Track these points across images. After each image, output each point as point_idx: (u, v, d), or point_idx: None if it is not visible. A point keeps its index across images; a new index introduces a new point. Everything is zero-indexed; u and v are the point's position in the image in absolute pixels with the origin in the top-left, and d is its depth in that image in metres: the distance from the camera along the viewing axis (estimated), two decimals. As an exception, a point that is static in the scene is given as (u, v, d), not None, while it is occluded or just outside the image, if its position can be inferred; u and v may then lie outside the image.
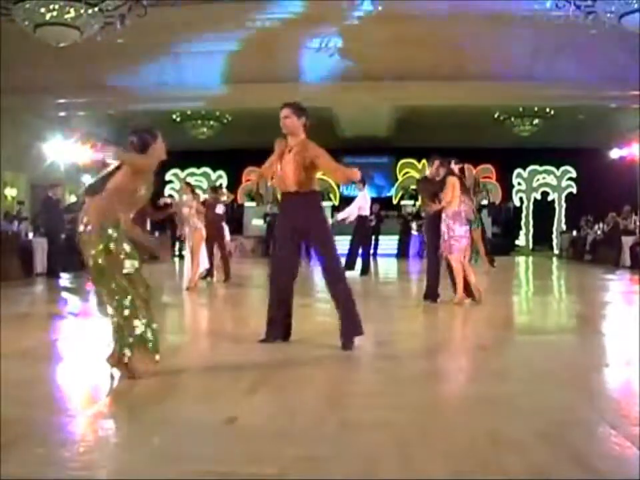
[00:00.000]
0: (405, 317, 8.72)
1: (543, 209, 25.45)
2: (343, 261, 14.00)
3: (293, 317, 6.07)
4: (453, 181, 8.51)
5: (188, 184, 12.31)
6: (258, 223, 23.52)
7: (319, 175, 6.19)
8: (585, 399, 4.10)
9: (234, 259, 18.31)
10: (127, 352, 4.55)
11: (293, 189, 5.86)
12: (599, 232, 19.36)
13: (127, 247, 4.61)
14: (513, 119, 20.66)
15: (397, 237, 22.36)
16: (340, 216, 15.12)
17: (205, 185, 24.03)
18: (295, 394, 4.29)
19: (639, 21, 9.74)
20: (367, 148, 22.67)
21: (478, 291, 8.48)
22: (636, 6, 9.52)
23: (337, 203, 24.03)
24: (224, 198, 14.77)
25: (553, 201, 25.62)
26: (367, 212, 14.13)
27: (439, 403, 4.10)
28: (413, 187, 25.20)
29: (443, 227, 8.45)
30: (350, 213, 14.34)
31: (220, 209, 12.73)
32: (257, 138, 20.07)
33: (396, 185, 25.76)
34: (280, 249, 6.12)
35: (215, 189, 14.31)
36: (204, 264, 11.43)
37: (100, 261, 4.53)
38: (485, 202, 22.21)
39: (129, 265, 4.59)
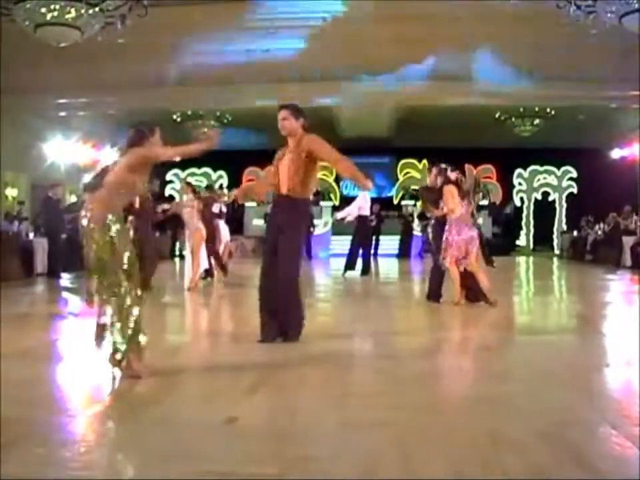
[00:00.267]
0: (405, 317, 8.73)
1: (544, 209, 25.43)
2: (343, 261, 14.17)
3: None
4: (449, 190, 8.51)
5: (188, 184, 12.32)
6: (259, 223, 23.51)
7: (319, 174, 6.22)
8: (585, 399, 4.10)
9: (235, 259, 18.31)
10: (122, 348, 4.56)
11: (285, 192, 5.89)
12: (599, 232, 19.35)
13: (127, 243, 4.67)
14: (513, 119, 20.64)
15: (397, 237, 22.35)
16: (339, 215, 15.15)
17: (205, 185, 24.03)
18: (295, 394, 4.29)
19: (639, 21, 9.73)
20: (367, 148, 22.66)
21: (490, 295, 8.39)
22: (636, 6, 9.50)
23: (337, 203, 24.02)
24: (225, 198, 14.77)
25: (554, 201, 25.60)
26: (367, 212, 14.14)
27: (439, 402, 4.09)
28: (414, 187, 25.22)
29: (446, 233, 8.47)
30: (349, 213, 14.36)
31: (216, 208, 12.74)
32: (257, 138, 20.21)
33: (396, 185, 25.75)
34: (265, 251, 6.19)
35: (211, 188, 14.32)
36: (204, 264, 11.42)
37: (103, 255, 4.55)
38: (485, 202, 22.18)
39: (127, 261, 4.60)
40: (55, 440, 3.36)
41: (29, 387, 4.42)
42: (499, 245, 21.72)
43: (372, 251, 16.25)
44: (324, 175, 22.92)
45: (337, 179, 24.91)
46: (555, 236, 25.27)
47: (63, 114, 18.58)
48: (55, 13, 9.96)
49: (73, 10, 9.99)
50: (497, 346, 6.34)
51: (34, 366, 5.03)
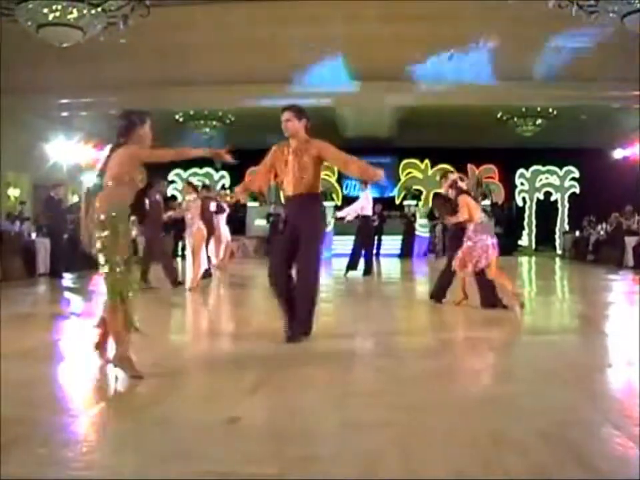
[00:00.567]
0: (407, 317, 8.73)
1: (546, 209, 25.41)
2: (345, 261, 14.17)
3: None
4: (463, 200, 8.45)
5: (190, 184, 12.31)
6: (261, 223, 23.51)
7: (322, 174, 6.24)
8: (587, 399, 4.09)
9: (236, 259, 18.33)
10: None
11: (294, 193, 6.00)
12: (601, 232, 19.33)
13: (128, 241, 4.73)
14: (515, 119, 20.62)
15: (399, 237, 22.36)
16: (339, 214, 15.17)
17: (202, 184, 24.01)
18: (296, 393, 4.28)
19: (640, 21, 9.73)
20: (369, 148, 22.65)
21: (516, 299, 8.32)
22: (638, 6, 9.49)
23: (339, 203, 24.01)
24: (228, 199, 14.77)
25: (556, 201, 25.58)
26: (369, 212, 14.13)
27: (440, 402, 4.08)
28: (416, 187, 25.24)
29: (464, 240, 8.41)
30: (349, 212, 14.38)
31: (213, 206, 12.77)
32: (259, 138, 20.20)
33: (398, 185, 25.75)
34: (275, 252, 6.25)
35: (208, 187, 14.35)
36: (204, 264, 11.42)
37: (106, 245, 4.59)
38: (487, 202, 22.17)
39: (124, 258, 4.65)
40: (57, 440, 3.36)
41: (31, 386, 4.42)
42: (501, 245, 21.65)
43: (374, 251, 16.25)
44: (326, 175, 22.91)
45: (339, 179, 24.92)
46: (557, 236, 25.24)
47: (65, 114, 18.59)
48: (57, 13, 9.97)
49: (75, 10, 9.99)
50: (498, 346, 6.34)
51: (36, 366, 5.03)
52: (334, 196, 24.66)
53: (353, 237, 14.43)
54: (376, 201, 17.04)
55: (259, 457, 3.11)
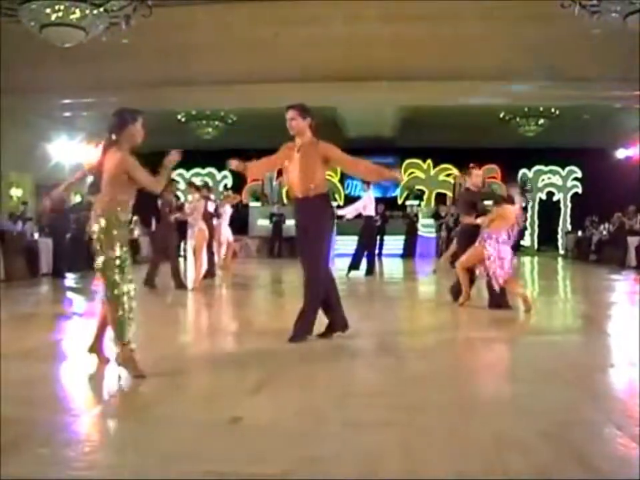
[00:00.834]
0: (409, 317, 8.74)
1: (549, 209, 25.39)
2: (348, 261, 14.16)
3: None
4: (505, 213, 8.19)
5: (192, 184, 12.32)
6: (263, 223, 23.51)
7: (326, 174, 6.27)
8: (589, 400, 4.09)
9: (239, 259, 18.34)
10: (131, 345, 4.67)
11: (300, 194, 6.04)
12: (604, 232, 19.31)
13: (123, 241, 4.76)
14: (518, 119, 20.60)
15: (401, 237, 22.36)
16: (340, 212, 15.18)
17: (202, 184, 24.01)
18: (299, 393, 4.28)
19: (643, 21, 9.72)
20: (371, 148, 22.64)
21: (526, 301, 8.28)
22: (640, 5, 9.49)
23: (341, 203, 24.00)
24: (231, 200, 14.79)
25: (558, 201, 25.56)
26: (372, 212, 14.12)
27: (442, 402, 4.08)
28: (418, 187, 25.22)
29: (479, 239, 8.30)
30: (350, 211, 14.39)
31: (211, 207, 12.78)
32: (262, 138, 20.20)
33: (401, 185, 25.72)
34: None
35: (209, 187, 14.37)
36: (205, 264, 11.41)
37: (104, 247, 4.66)
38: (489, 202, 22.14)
39: (121, 258, 4.70)
40: (58, 440, 3.37)
41: (33, 386, 4.43)
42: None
43: (376, 251, 16.24)
44: (328, 175, 22.86)
45: (342, 179, 24.91)
46: (559, 236, 25.22)
47: (67, 114, 18.61)
48: (60, 14, 9.98)
49: (77, 10, 10.00)
50: (501, 346, 6.35)
51: (38, 366, 5.03)
52: (336, 196, 24.65)
53: (355, 237, 14.43)
54: (378, 201, 17.03)
55: (261, 457, 3.11)
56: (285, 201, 24.21)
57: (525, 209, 8.23)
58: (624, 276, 14.53)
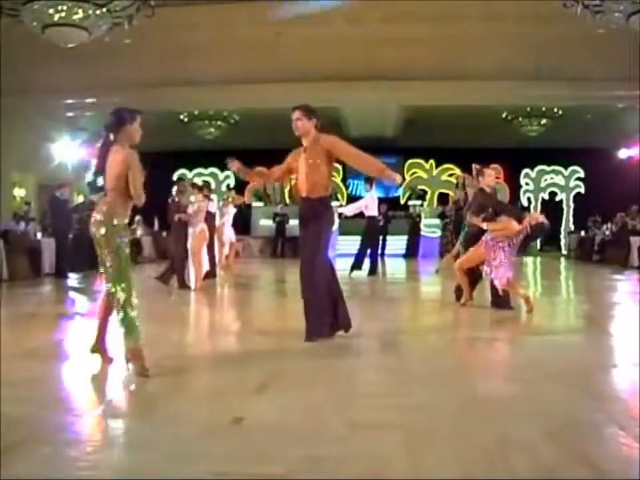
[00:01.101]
0: (411, 317, 8.73)
1: (551, 209, 25.36)
2: (350, 261, 14.15)
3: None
4: (508, 225, 8.30)
5: (194, 185, 12.32)
6: (266, 223, 23.52)
7: (331, 175, 6.31)
8: (593, 400, 4.09)
9: (241, 259, 18.33)
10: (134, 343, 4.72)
11: (305, 194, 6.12)
12: (607, 232, 19.29)
13: (126, 240, 4.84)
14: (520, 119, 20.59)
15: (404, 237, 22.35)
16: (340, 210, 15.22)
17: (212, 185, 24.04)
18: (302, 393, 4.28)
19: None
20: (374, 148, 22.57)
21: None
22: (644, 5, 9.49)
23: (344, 203, 24.00)
24: (236, 201, 14.78)
25: (561, 201, 25.54)
26: (375, 212, 14.11)
27: (446, 403, 4.08)
28: (420, 187, 25.22)
29: (483, 240, 8.31)
30: (350, 209, 14.41)
31: (212, 207, 12.77)
32: (264, 138, 20.22)
33: (403, 185, 25.72)
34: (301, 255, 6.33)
35: (210, 187, 14.38)
36: (205, 265, 11.39)
37: (106, 251, 4.72)
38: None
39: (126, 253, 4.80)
40: (61, 439, 3.37)
41: (35, 386, 4.44)
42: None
43: (379, 251, 16.24)
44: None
45: (344, 179, 24.92)
46: (562, 236, 25.20)
47: (70, 114, 18.63)
48: (63, 14, 10.00)
49: (80, 11, 10.03)
50: (503, 346, 6.35)
51: (40, 365, 5.04)
52: (339, 196, 24.66)
53: (357, 237, 14.44)
54: (381, 201, 17.01)
55: (264, 457, 3.11)
56: (288, 200, 24.22)
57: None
58: (626, 276, 14.51)
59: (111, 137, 4.85)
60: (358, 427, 3.53)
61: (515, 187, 25.43)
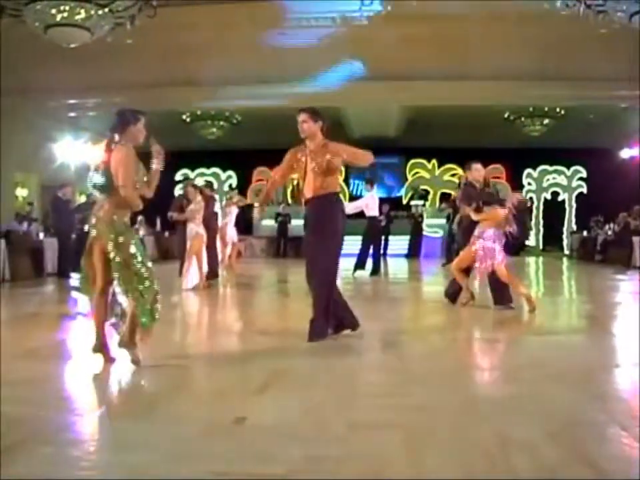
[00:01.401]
0: (414, 317, 8.73)
1: (554, 209, 25.35)
2: (353, 261, 14.16)
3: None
4: (494, 213, 8.31)
5: (194, 186, 12.30)
6: (268, 223, 23.51)
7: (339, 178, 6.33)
8: (595, 400, 4.08)
9: (244, 259, 18.34)
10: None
11: (311, 195, 6.11)
12: (609, 232, 19.27)
13: (134, 239, 4.92)
14: (523, 119, 20.59)
15: (406, 237, 22.35)
16: None
17: (214, 185, 24.05)
18: (303, 393, 4.28)
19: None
20: (376, 148, 22.54)
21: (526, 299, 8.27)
22: (646, 5, 9.47)
23: (346, 202, 24.01)
24: (240, 203, 14.77)
25: (563, 201, 25.53)
26: (376, 212, 14.10)
27: (447, 402, 4.08)
28: (423, 187, 25.22)
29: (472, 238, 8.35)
30: (349, 208, 14.40)
31: (217, 207, 12.79)
32: (266, 138, 20.22)
33: (405, 185, 25.73)
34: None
35: (212, 187, 14.40)
36: (206, 264, 11.38)
37: (114, 250, 4.81)
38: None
39: (135, 251, 4.87)
40: (63, 439, 3.37)
41: (37, 385, 4.44)
42: (509, 245, 21.63)
43: (381, 251, 16.24)
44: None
45: (346, 179, 24.93)
46: (564, 236, 25.18)
47: (72, 114, 18.66)
48: (65, 14, 10.02)
49: (82, 11, 10.04)
50: (505, 346, 6.34)
51: (42, 365, 5.04)
52: (341, 196, 24.68)
53: (359, 237, 14.43)
54: (383, 201, 17.03)
55: (266, 457, 3.11)
56: (290, 200, 24.23)
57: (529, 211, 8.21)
58: (629, 276, 14.49)
59: (116, 137, 4.91)
60: (358, 427, 3.52)
61: (517, 187, 25.37)
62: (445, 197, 24.51)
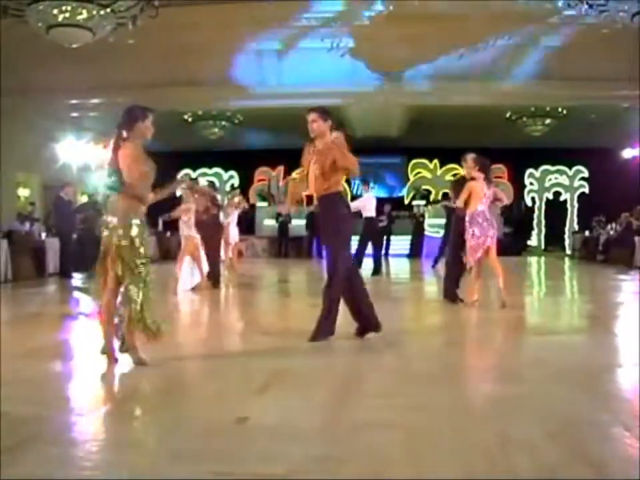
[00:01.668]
0: (416, 317, 8.73)
1: (555, 209, 25.34)
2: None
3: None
4: (469, 185, 8.45)
5: (194, 187, 12.28)
6: (270, 223, 23.54)
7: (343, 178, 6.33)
8: (597, 400, 4.08)
9: (245, 259, 18.35)
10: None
11: (316, 194, 6.14)
12: (611, 232, 19.25)
13: (143, 239, 4.94)
14: (524, 119, 20.55)
15: (408, 237, 22.36)
16: None
17: (216, 184, 24.06)
18: (305, 393, 4.28)
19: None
20: (378, 148, 22.62)
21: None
22: (648, 5, 9.47)
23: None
24: (236, 200, 14.79)
25: (565, 201, 25.51)
26: (372, 213, 14.09)
27: (448, 402, 4.08)
28: (424, 187, 25.20)
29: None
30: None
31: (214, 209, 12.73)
32: (268, 138, 20.23)
33: (407, 185, 25.72)
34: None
35: (214, 186, 14.38)
36: (206, 265, 11.37)
37: (123, 247, 4.83)
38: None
39: (144, 254, 4.91)
40: (66, 439, 3.38)
41: (40, 385, 4.45)
42: (511, 244, 21.67)
43: (383, 251, 16.25)
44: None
45: (348, 180, 24.92)
46: (566, 236, 25.17)
47: (74, 114, 18.66)
48: (67, 14, 10.02)
49: (84, 11, 10.05)
50: (508, 346, 6.34)
51: (45, 365, 5.05)
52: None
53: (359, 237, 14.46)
54: (385, 201, 17.05)
55: (268, 457, 3.11)
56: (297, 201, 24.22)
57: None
58: (631, 276, 14.48)
59: (124, 134, 4.93)
60: (359, 427, 3.53)
61: (519, 187, 25.41)
62: (446, 197, 24.55)
